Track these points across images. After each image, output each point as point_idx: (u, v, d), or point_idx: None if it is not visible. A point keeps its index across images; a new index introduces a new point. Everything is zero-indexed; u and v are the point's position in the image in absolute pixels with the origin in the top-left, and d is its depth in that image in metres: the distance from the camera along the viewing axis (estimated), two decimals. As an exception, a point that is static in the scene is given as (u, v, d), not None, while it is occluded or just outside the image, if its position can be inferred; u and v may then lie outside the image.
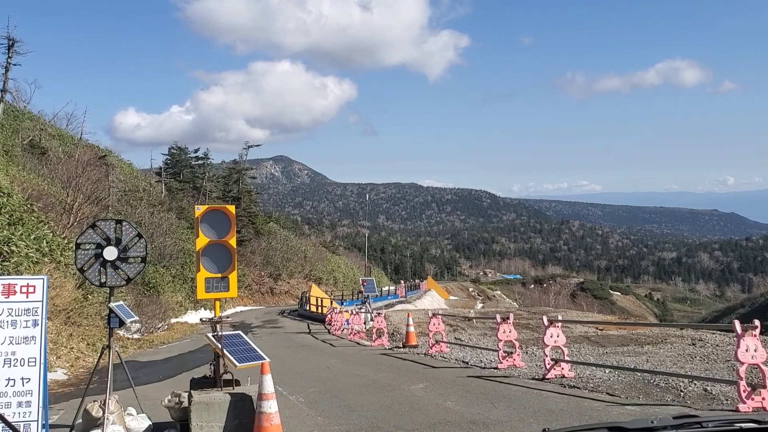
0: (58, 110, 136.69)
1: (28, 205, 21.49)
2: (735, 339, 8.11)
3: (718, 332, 17.16)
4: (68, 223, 26.45)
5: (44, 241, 20.29)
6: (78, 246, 7.83)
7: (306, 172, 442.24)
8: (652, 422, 2.28)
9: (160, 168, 69.45)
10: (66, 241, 22.21)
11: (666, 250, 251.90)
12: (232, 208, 7.92)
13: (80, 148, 46.23)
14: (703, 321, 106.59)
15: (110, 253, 7.77)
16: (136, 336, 25.87)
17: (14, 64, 44.88)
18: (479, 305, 71.06)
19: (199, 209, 7.78)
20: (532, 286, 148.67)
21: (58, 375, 16.00)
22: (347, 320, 26.25)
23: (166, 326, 30.42)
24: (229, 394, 7.47)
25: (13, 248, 17.46)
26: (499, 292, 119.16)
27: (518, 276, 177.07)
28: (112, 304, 8.03)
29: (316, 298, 40.01)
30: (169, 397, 7.96)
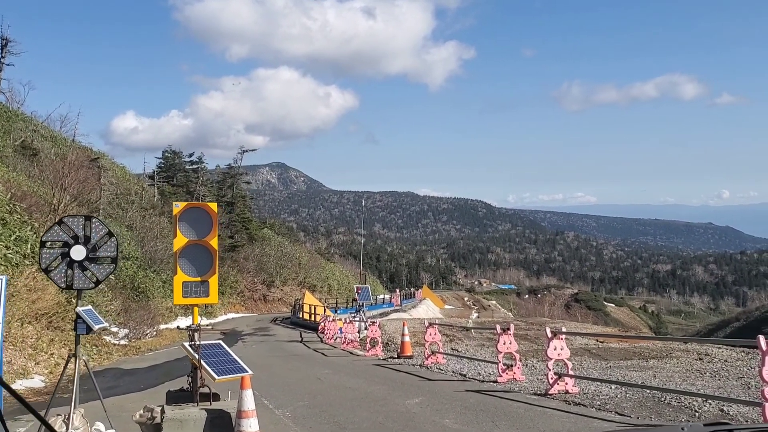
0: (51, 111, 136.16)
1: (11, 206, 20.76)
2: (759, 356, 7.46)
3: (725, 347, 16.51)
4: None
5: (27, 242, 19.59)
6: (43, 244, 7.13)
7: (302, 179, 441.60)
8: (682, 429, 2.27)
9: (153, 172, 68.70)
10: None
11: (660, 262, 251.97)
12: (213, 206, 7.23)
13: (72, 149, 45.47)
14: (698, 334, 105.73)
15: (78, 252, 7.07)
16: (123, 342, 25.12)
17: (7, 64, 44.52)
18: (475, 315, 70.32)
19: (178, 206, 7.10)
20: (527, 296, 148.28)
21: (35, 382, 15.29)
22: (340, 329, 25.54)
23: (155, 332, 29.67)
24: (206, 410, 6.80)
25: (-8, 249, 16.76)
26: (494, 302, 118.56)
27: (513, 286, 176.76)
28: (79, 309, 7.35)
29: (310, 305, 39.23)
30: (141, 411, 7.27)
